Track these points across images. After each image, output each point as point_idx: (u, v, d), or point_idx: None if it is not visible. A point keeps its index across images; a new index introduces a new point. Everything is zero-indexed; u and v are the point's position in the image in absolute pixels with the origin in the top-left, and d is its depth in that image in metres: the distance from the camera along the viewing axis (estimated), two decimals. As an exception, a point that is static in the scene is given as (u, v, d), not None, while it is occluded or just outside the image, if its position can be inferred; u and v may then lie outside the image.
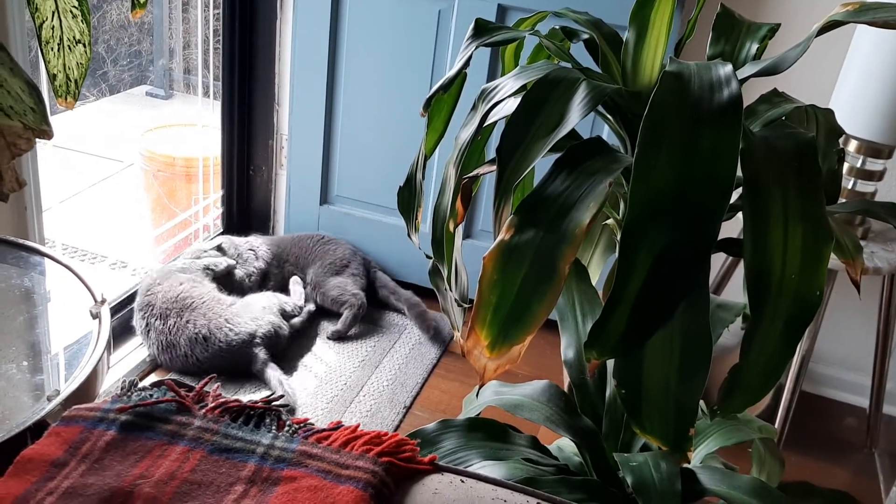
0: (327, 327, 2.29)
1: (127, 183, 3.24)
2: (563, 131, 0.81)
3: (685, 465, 0.98)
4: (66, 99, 1.03)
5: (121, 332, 2.05)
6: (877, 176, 1.79)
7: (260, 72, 2.45)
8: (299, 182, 2.50)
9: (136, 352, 2.03)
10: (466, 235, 2.40)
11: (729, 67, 0.78)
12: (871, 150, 1.75)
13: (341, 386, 2.07)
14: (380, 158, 2.40)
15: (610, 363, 1.02)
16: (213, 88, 2.64)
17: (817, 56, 1.87)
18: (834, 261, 1.72)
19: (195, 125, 2.86)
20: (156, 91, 4.16)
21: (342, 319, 2.25)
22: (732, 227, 1.47)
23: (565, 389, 1.14)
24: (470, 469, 0.85)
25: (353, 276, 2.37)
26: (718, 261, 2.10)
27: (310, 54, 2.32)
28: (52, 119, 0.95)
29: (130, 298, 2.12)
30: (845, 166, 1.78)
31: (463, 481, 0.81)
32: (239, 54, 2.39)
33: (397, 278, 2.49)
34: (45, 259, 1.24)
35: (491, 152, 0.96)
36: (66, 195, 2.99)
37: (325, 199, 2.52)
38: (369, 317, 2.37)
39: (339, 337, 2.24)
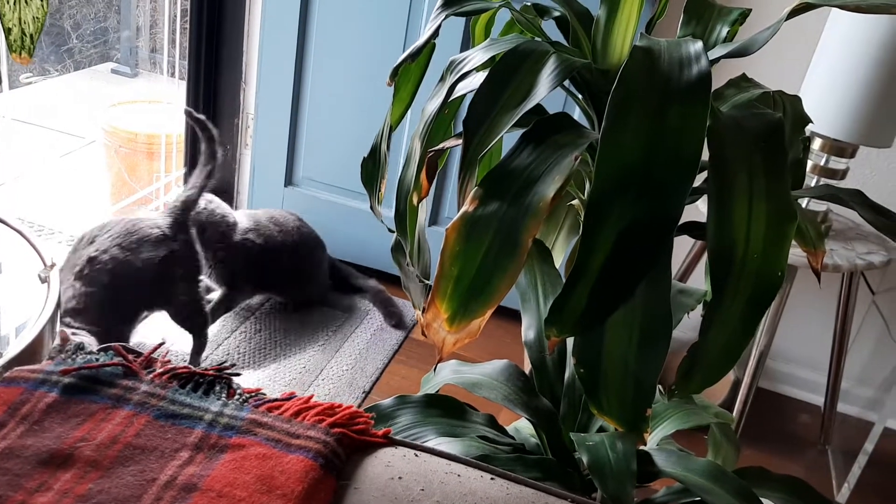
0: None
1: (87, 159, 3.17)
2: (531, 103, 0.80)
3: (641, 448, 0.97)
4: (20, 54, 0.99)
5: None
6: (839, 175, 1.81)
7: (227, 48, 2.40)
8: (264, 162, 2.46)
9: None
10: (432, 223, 2.39)
11: (699, 44, 0.77)
12: (836, 148, 1.76)
13: (299, 370, 2.04)
14: (348, 141, 2.37)
15: (570, 343, 1.02)
16: (180, 68, 2.59)
17: (786, 49, 1.88)
18: (794, 256, 1.72)
19: (160, 102, 2.80)
20: (121, 69, 4.09)
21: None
22: (696, 214, 1.45)
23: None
24: (425, 445, 0.84)
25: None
26: (684, 250, 2.10)
27: (279, 31, 2.28)
28: (13, 93, 0.91)
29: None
30: (808, 164, 1.80)
31: (417, 455, 0.80)
32: (207, 29, 2.34)
33: (361, 264, 2.46)
34: (-6, 223, 1.20)
35: (457, 128, 0.94)
36: (23, 170, 2.91)
37: (290, 180, 2.48)
38: (332, 301, 2.34)
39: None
